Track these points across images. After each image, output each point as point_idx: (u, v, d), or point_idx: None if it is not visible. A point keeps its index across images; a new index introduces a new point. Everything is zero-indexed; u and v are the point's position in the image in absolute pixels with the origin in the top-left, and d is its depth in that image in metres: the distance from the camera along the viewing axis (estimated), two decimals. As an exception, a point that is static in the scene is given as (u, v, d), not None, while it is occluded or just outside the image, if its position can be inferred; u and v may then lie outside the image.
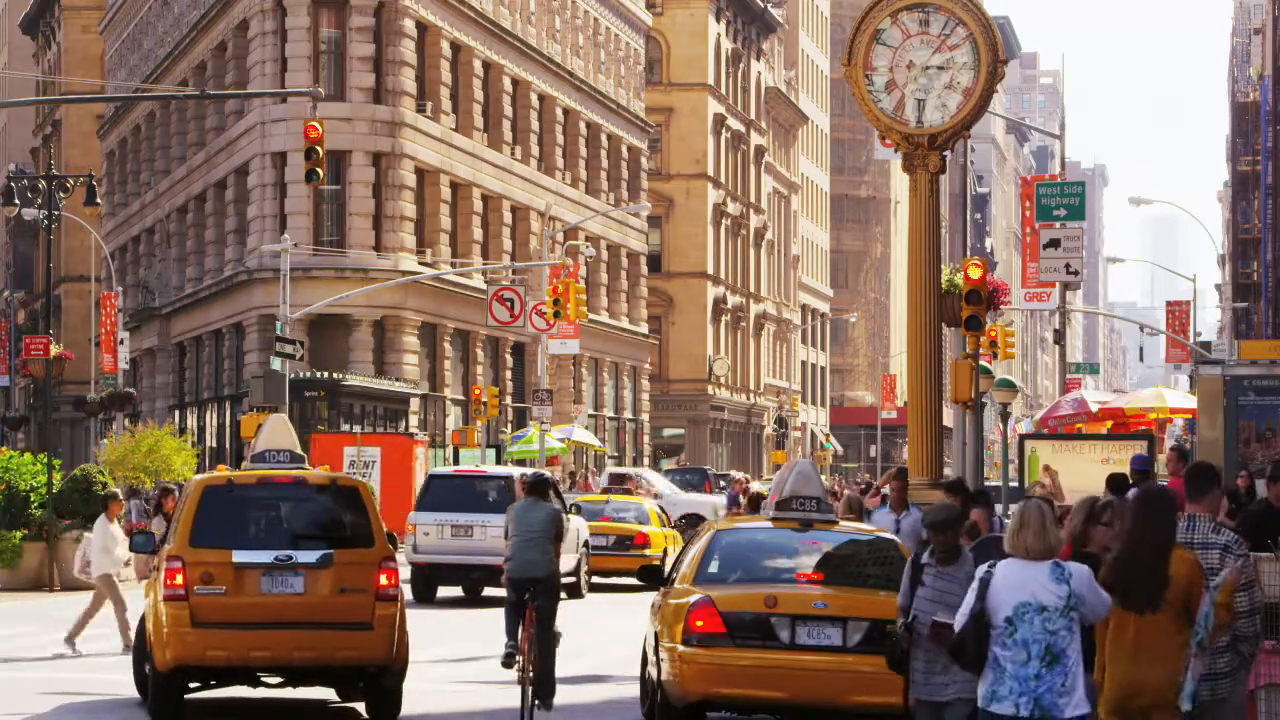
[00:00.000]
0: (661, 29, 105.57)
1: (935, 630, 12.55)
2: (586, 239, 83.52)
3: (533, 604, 19.47)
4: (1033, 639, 10.75)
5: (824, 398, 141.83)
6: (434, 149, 72.01)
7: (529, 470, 39.75)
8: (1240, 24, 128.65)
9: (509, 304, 61.84)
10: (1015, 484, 35.39)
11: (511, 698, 20.66)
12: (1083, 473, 27.50)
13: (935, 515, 13.54)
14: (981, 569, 11.29)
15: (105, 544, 25.46)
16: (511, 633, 20.16)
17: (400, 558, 20.54)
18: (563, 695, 21.06)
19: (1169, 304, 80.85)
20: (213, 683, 18.60)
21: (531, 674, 19.29)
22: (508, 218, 79.08)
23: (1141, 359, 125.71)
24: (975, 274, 27.12)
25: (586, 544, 37.83)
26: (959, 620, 11.13)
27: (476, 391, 70.41)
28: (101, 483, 37.85)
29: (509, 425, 75.94)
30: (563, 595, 22.16)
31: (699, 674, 16.22)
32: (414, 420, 69.52)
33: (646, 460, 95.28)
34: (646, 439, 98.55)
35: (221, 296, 74.14)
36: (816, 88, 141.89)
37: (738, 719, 17.20)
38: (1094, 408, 42.41)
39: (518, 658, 19.70)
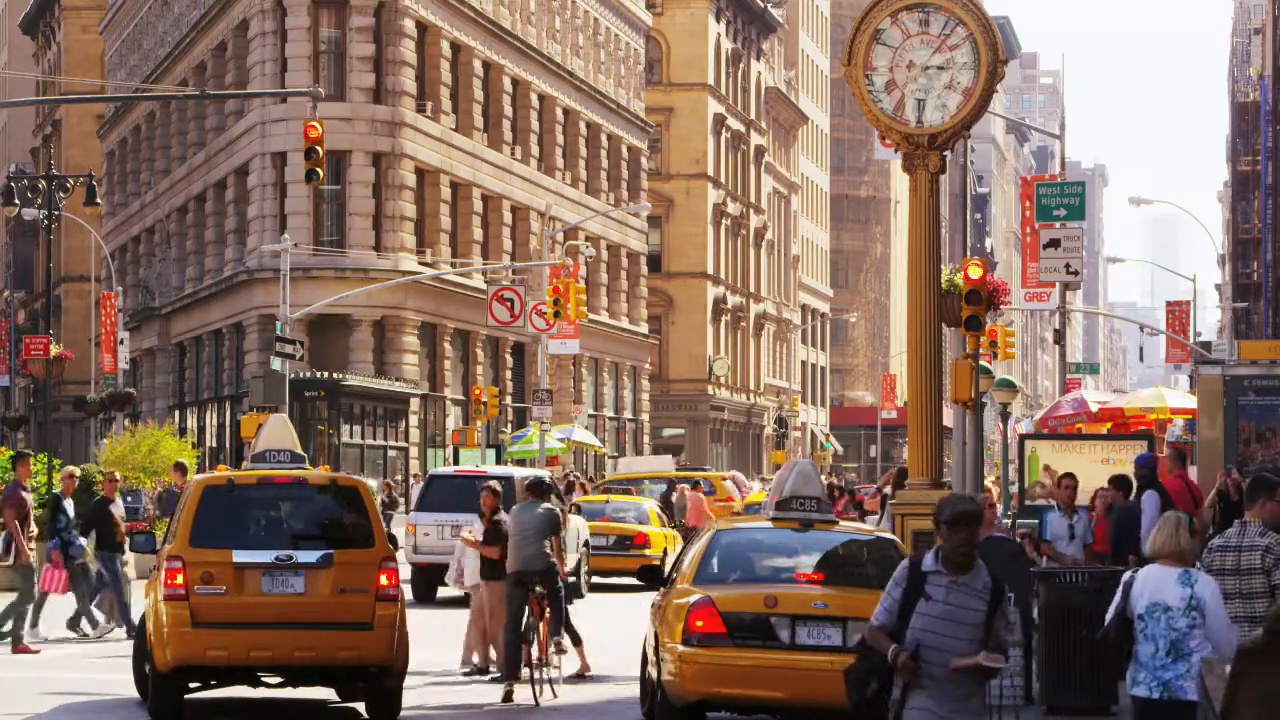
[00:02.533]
0: (661, 29, 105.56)
1: (983, 673, 10.51)
2: (586, 239, 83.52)
3: (536, 594, 20.84)
4: (1159, 634, 11.70)
5: (824, 398, 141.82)
6: (434, 149, 72.01)
7: (531, 471, 39.78)
8: (1240, 24, 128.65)
9: (509, 304, 61.84)
10: (1015, 484, 35.40)
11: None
12: (1083, 473, 27.45)
13: (953, 509, 10.68)
14: (1126, 574, 12.06)
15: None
16: (512, 669, 20.66)
17: (400, 558, 20.62)
18: (563, 695, 21.12)
19: (1169, 304, 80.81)
20: (213, 683, 18.60)
21: (539, 657, 20.49)
22: (508, 218, 79.09)
23: (1141, 359, 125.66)
24: (975, 274, 27.11)
25: (587, 544, 37.86)
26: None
27: (476, 391, 70.40)
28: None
29: (509, 425, 75.94)
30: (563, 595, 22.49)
31: (699, 674, 16.23)
32: (414, 420, 69.54)
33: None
34: (646, 439, 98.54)
35: (221, 296, 74.15)
36: (816, 88, 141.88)
37: (738, 719, 17.20)
38: (1094, 408, 42.40)
39: (523, 666, 20.53)
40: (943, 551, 10.66)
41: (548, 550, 21.29)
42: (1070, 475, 23.22)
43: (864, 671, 10.86)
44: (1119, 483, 24.34)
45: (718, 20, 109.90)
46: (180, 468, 32.87)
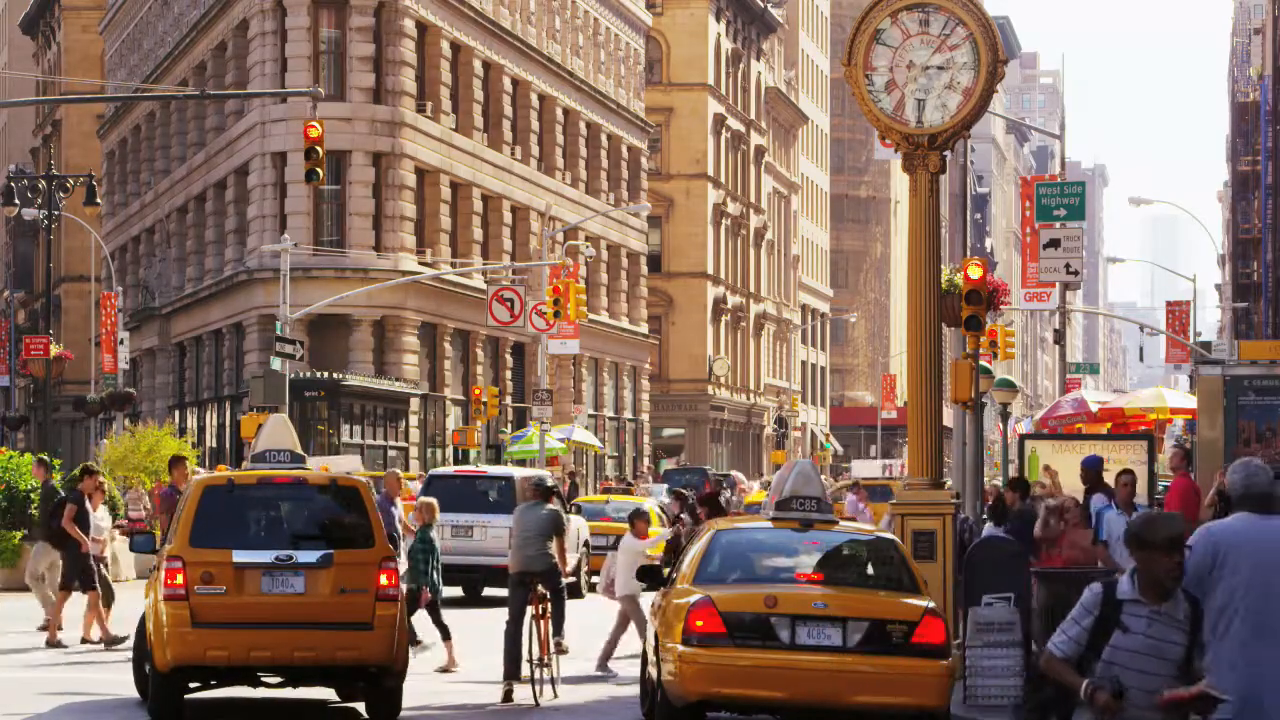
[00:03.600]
0: (661, 29, 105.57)
1: (1201, 702, 9.20)
2: (586, 239, 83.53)
3: (539, 594, 20.94)
4: None
5: (824, 398, 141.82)
6: (434, 149, 72.01)
7: (533, 471, 39.82)
8: (1240, 24, 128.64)
9: (509, 304, 61.85)
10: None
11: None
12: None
13: (1169, 530, 9.39)
14: None
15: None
16: (511, 665, 20.72)
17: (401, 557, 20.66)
18: (563, 695, 21.13)
19: (1169, 304, 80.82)
20: (213, 683, 18.60)
21: (540, 657, 20.58)
22: (508, 218, 79.09)
23: (1141, 359, 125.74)
24: (975, 274, 27.11)
25: (587, 544, 37.86)
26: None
27: (476, 391, 70.42)
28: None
29: (509, 425, 75.95)
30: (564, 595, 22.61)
31: (699, 674, 16.23)
32: (414, 420, 69.53)
33: (646, 460, 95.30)
34: (646, 439, 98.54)
35: (221, 296, 74.15)
36: (816, 88, 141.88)
37: (738, 719, 17.20)
38: (1094, 408, 42.41)
39: (524, 663, 20.62)
40: (1147, 577, 9.36)
41: (550, 551, 21.38)
42: (1129, 472, 23.11)
43: (1041, 707, 10.18)
44: (1016, 484, 24.66)
45: (718, 20, 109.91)
46: (43, 464, 30.63)
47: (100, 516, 27.23)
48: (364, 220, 68.74)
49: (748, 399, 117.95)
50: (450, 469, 42.24)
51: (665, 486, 62.99)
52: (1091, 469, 24.63)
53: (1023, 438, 32.03)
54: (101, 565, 26.68)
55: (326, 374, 63.43)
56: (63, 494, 27.36)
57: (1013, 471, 41.60)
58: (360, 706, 19.09)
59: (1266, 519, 10.26)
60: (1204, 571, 9.96)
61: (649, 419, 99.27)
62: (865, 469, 77.07)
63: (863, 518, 36.34)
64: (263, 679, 18.42)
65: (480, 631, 26.73)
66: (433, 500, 24.75)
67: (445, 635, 23.64)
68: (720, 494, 52.98)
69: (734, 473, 79.76)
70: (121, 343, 69.62)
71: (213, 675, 18.29)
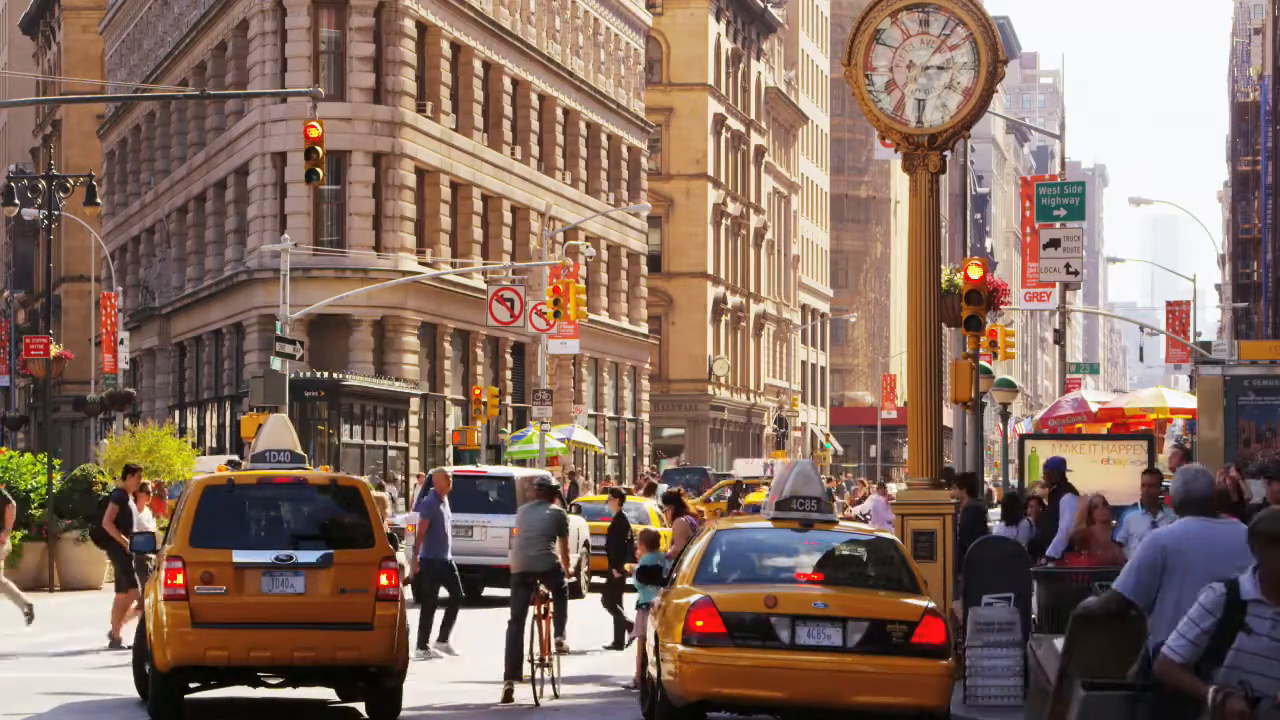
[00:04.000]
0: (661, 29, 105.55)
1: None
2: (586, 239, 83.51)
3: (541, 594, 20.92)
4: None
5: (824, 398, 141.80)
6: (434, 149, 72.00)
7: (535, 471, 39.81)
8: (1240, 24, 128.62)
9: (509, 304, 61.86)
10: (1015, 484, 35.39)
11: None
12: (1083, 473, 27.45)
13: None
14: None
15: None
16: (512, 665, 20.73)
17: (401, 558, 20.63)
18: (563, 695, 21.12)
19: (1169, 304, 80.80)
20: (213, 683, 18.59)
21: (541, 657, 20.52)
22: (508, 218, 79.08)
23: (1141, 359, 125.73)
24: (975, 274, 27.14)
25: (587, 544, 37.86)
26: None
27: (476, 391, 70.41)
28: (102, 483, 37.69)
29: (509, 425, 75.93)
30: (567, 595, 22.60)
31: (699, 674, 16.22)
32: (414, 420, 69.52)
33: (647, 460, 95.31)
34: (646, 439, 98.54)
35: (221, 296, 74.15)
36: (816, 88, 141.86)
37: (738, 719, 17.20)
38: (1094, 408, 42.42)
39: (525, 664, 20.61)
40: (1272, 577, 8.82)
41: (553, 551, 21.39)
42: (1153, 471, 23.10)
43: (1161, 712, 9.19)
44: (964, 480, 24.96)
45: (718, 20, 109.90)
46: None
47: (145, 517, 27.04)
48: (364, 220, 68.74)
49: (748, 399, 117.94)
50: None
51: (665, 486, 63.01)
52: (1054, 470, 24.67)
53: (1023, 438, 32.03)
54: (148, 565, 26.58)
55: (326, 374, 63.42)
56: (9, 497, 27.29)
57: (1013, 472, 41.60)
58: (360, 706, 19.09)
59: (1211, 521, 10.76)
60: (1153, 576, 10.35)
61: (649, 419, 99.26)
62: (746, 468, 77.10)
63: (881, 520, 36.05)
64: (263, 679, 18.42)
65: (480, 631, 26.74)
66: (384, 494, 24.65)
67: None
68: (723, 494, 53.04)
69: (733, 472, 79.70)
70: (121, 343, 69.61)
71: (213, 675, 18.28)
